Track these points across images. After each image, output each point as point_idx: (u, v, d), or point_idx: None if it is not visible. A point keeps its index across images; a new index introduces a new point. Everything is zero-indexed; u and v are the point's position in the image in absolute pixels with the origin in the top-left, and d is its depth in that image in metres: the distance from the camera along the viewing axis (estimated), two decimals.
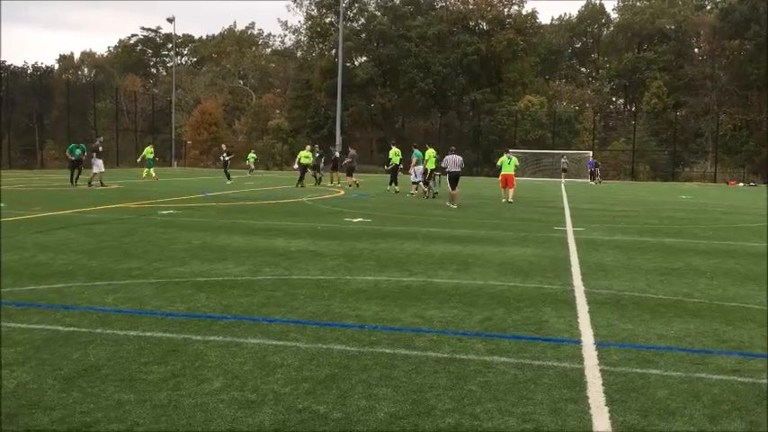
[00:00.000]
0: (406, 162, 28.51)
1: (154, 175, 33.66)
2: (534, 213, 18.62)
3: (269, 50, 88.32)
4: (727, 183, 53.12)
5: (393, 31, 65.39)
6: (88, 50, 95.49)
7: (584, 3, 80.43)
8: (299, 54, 75.86)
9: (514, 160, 23.16)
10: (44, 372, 4.52)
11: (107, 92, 68.18)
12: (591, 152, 53.68)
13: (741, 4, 60.44)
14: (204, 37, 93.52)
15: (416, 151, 25.01)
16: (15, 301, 6.53)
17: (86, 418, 3.76)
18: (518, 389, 4.41)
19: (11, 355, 4.84)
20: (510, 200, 22.29)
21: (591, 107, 70.43)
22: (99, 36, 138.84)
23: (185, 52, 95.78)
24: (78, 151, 26.99)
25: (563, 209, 20.72)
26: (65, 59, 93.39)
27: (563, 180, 45.24)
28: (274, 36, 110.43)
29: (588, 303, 6.99)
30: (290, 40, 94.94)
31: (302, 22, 73.20)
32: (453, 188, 20.37)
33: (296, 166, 30.47)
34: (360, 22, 69.42)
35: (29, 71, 64.32)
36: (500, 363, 4.94)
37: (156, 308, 6.40)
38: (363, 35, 68.04)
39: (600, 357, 5.13)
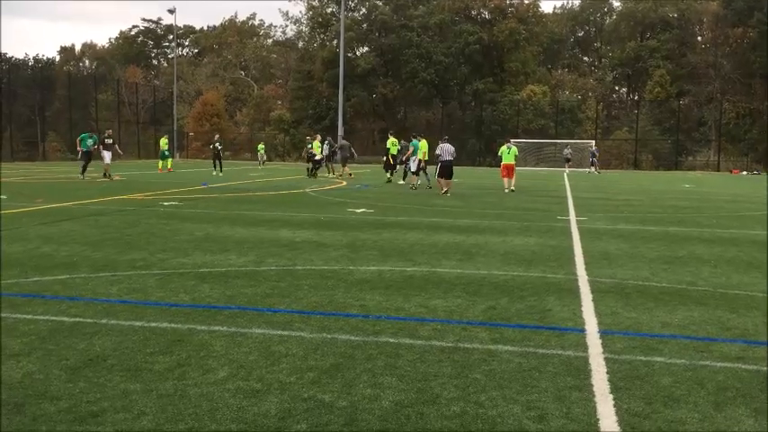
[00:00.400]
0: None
1: (169, 167, 33.69)
2: (537, 203, 18.61)
3: (270, 41, 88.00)
4: (731, 171, 53.01)
5: (394, 20, 65.12)
6: (89, 42, 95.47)
7: None
8: (300, 44, 75.64)
9: (514, 150, 23.16)
10: (50, 362, 4.54)
11: (108, 83, 68.14)
12: (594, 141, 53.54)
13: None
14: (205, 28, 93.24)
15: (414, 141, 25.04)
16: (20, 292, 6.54)
17: (93, 408, 3.78)
18: (522, 377, 4.41)
19: (17, 346, 4.86)
20: (512, 188, 22.32)
21: (593, 96, 70.24)
22: (100, 27, 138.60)
23: (186, 43, 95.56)
24: (90, 141, 26.15)
25: (566, 198, 20.70)
26: (66, 51, 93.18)
27: (566, 170, 45.17)
28: (276, 26, 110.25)
29: (592, 292, 7.00)
30: (291, 31, 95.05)
31: (303, 12, 72.98)
32: (449, 178, 20.56)
33: (318, 156, 30.32)
34: (361, 12, 69.20)
35: (30, 63, 64.33)
36: (504, 351, 4.95)
37: (161, 298, 6.42)
38: (365, 25, 67.79)
39: (604, 345, 5.14)
